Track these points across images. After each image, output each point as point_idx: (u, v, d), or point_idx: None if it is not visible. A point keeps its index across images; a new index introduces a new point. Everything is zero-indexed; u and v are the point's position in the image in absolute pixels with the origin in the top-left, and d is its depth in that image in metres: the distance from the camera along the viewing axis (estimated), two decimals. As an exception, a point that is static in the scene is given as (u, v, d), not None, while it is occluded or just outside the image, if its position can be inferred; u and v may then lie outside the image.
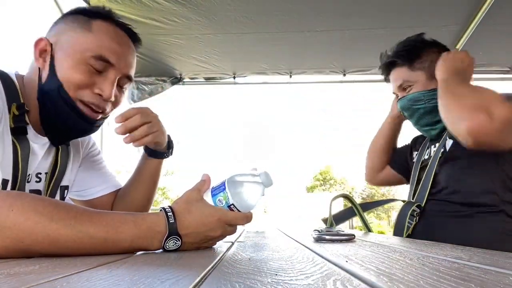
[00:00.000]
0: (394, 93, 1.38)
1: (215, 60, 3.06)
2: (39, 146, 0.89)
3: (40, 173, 0.92)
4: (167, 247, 0.61)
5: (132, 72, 0.94)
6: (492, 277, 0.35)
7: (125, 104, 3.23)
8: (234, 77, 3.29)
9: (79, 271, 0.41)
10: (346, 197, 1.40)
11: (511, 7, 2.43)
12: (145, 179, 1.08)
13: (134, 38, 0.97)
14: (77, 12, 0.89)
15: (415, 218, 1.21)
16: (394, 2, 2.43)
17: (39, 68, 0.84)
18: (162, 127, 0.98)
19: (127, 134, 0.89)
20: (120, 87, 0.91)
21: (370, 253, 0.58)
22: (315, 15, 2.53)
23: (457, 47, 2.79)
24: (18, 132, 0.81)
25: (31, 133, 0.86)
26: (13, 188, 0.81)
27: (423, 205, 1.22)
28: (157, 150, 1.04)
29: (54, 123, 0.86)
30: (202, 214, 0.64)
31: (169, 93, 3.28)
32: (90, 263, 0.48)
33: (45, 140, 0.91)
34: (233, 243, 0.79)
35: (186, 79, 3.33)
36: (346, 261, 0.48)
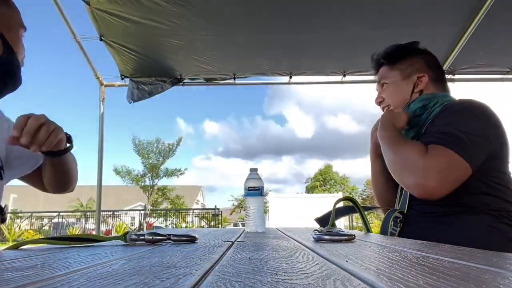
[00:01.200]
0: (377, 90, 1.45)
1: (215, 61, 3.05)
2: None
3: None
4: None
5: None
6: (491, 277, 0.35)
7: (123, 103, 3.24)
8: (234, 78, 3.28)
9: (79, 269, 0.41)
10: (351, 200, 1.40)
11: (511, 8, 2.43)
12: (56, 174, 1.13)
13: None
14: None
15: (399, 224, 1.21)
16: (394, 3, 2.43)
17: None
18: (56, 124, 0.95)
19: (34, 145, 0.86)
20: None
21: (370, 253, 0.58)
22: (315, 16, 2.53)
23: (457, 47, 2.80)
24: None
25: None
26: None
27: (405, 211, 1.22)
28: (59, 150, 1.02)
29: (6, 88, 0.99)
30: None
31: (169, 93, 3.28)
32: (90, 261, 0.48)
33: None
34: (233, 243, 0.79)
35: (186, 80, 3.32)
36: (346, 261, 0.48)
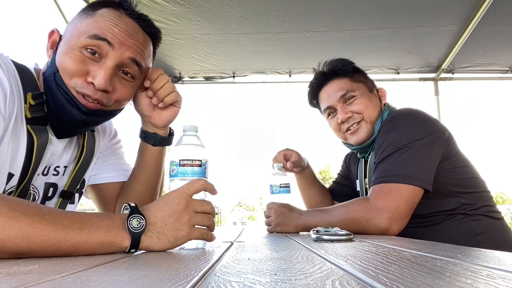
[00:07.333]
0: (329, 107, 1.28)
1: (214, 60, 3.06)
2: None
3: (59, 167, 0.90)
4: (131, 226, 0.58)
5: (141, 58, 0.86)
6: (490, 276, 0.35)
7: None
8: (234, 77, 3.29)
9: (78, 271, 0.41)
10: None
11: (511, 7, 2.43)
12: (147, 169, 0.99)
13: (147, 28, 0.91)
14: (93, 3, 0.86)
15: None
16: (394, 3, 2.43)
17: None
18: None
19: (155, 98, 0.92)
20: (125, 75, 0.85)
21: (369, 253, 0.58)
22: (314, 15, 2.53)
23: (457, 46, 2.80)
24: (37, 122, 0.79)
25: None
26: (20, 181, 0.78)
27: None
28: (159, 135, 0.97)
29: (53, 110, 0.81)
30: (164, 196, 0.65)
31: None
32: (89, 263, 0.48)
33: None
34: (232, 243, 0.79)
35: (186, 78, 3.33)
36: (345, 261, 0.48)
